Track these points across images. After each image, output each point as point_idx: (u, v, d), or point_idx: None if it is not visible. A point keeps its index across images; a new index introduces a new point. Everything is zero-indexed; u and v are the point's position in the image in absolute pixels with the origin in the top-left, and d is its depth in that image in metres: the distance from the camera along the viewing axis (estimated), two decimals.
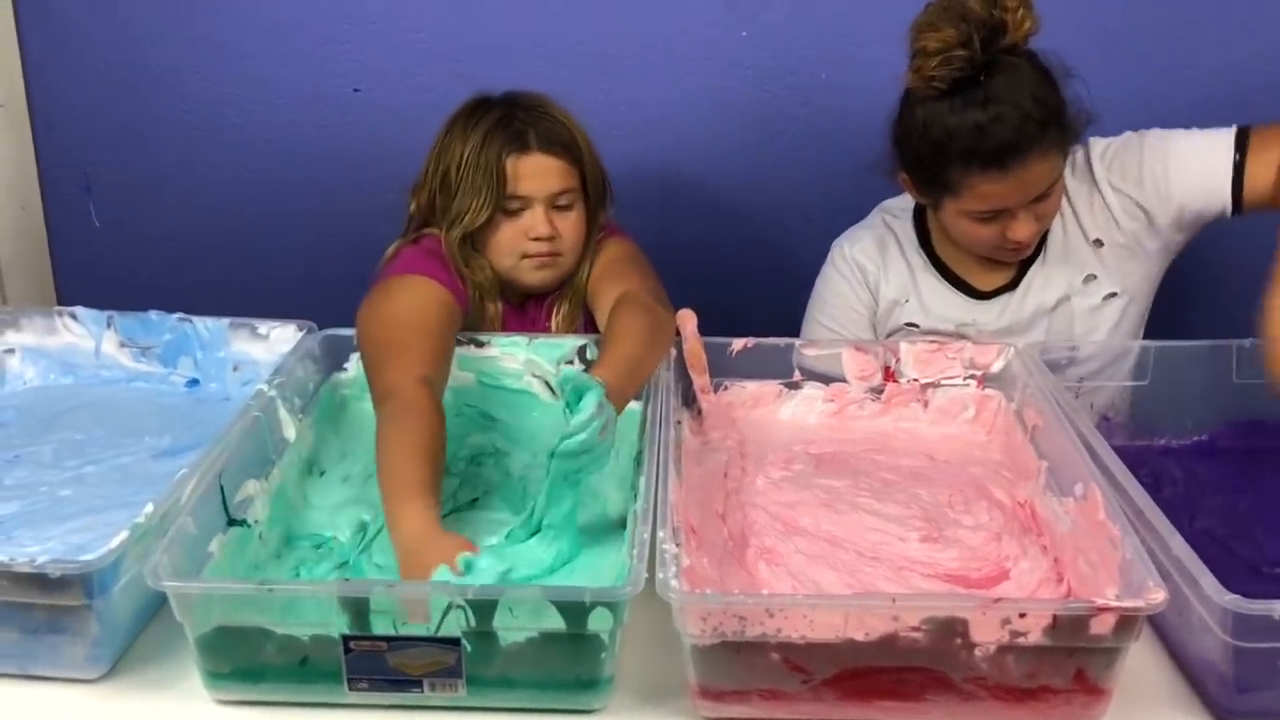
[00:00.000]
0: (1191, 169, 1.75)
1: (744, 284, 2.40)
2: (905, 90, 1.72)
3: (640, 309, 1.60)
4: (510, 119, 1.73)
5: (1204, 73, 2.23)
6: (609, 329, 1.59)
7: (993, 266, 1.86)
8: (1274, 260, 1.46)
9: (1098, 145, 1.83)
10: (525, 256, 1.75)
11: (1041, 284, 1.85)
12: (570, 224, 1.76)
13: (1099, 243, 1.82)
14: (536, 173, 1.72)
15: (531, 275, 1.77)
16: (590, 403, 1.29)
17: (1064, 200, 1.83)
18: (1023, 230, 1.70)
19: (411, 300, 1.63)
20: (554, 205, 1.74)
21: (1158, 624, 1.30)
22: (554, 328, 1.80)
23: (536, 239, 1.73)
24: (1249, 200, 1.73)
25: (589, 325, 1.79)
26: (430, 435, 1.41)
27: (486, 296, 1.76)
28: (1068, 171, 1.80)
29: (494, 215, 1.72)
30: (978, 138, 1.63)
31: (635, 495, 1.35)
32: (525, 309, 1.83)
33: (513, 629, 1.16)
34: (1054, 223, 1.83)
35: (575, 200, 1.76)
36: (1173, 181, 1.76)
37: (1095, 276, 1.83)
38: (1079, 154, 1.82)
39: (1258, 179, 1.71)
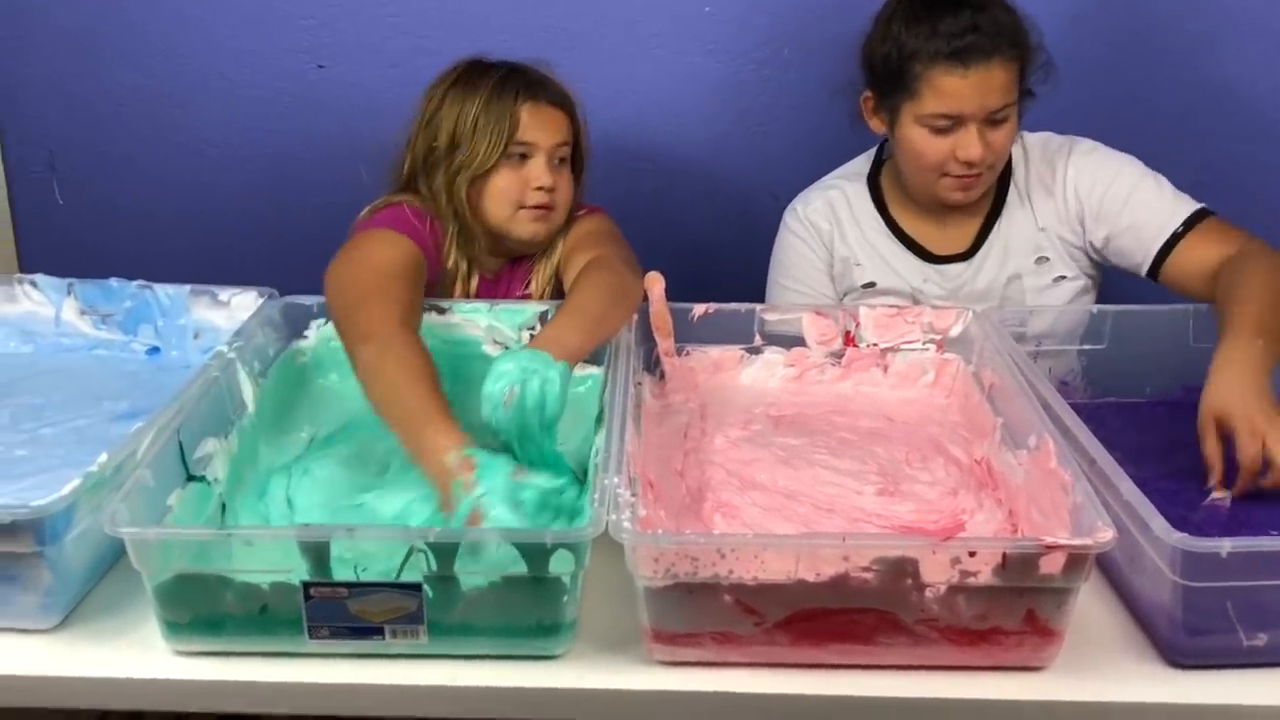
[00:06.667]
0: (1139, 214, 1.78)
1: (708, 260, 2.40)
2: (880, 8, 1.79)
3: (607, 269, 1.63)
4: (520, 72, 1.78)
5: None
6: (573, 287, 1.61)
7: (946, 223, 1.87)
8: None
9: (1083, 145, 1.86)
10: (523, 207, 1.76)
11: (997, 259, 1.86)
12: (565, 180, 1.80)
13: (1044, 229, 1.85)
14: (545, 122, 1.76)
15: (526, 227, 1.78)
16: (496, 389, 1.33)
17: (1024, 172, 1.85)
18: (972, 148, 1.72)
19: (384, 250, 1.64)
20: (554, 158, 1.77)
21: (1109, 569, 1.32)
22: (535, 291, 1.82)
23: (538, 188, 1.75)
24: (1166, 274, 1.75)
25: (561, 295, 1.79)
26: (429, 363, 1.41)
27: (470, 259, 1.79)
28: (1037, 152, 1.85)
29: (499, 162, 1.74)
30: (947, 32, 1.69)
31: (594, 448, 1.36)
32: (499, 280, 1.84)
33: (474, 573, 1.16)
34: (1011, 192, 1.86)
35: (568, 159, 1.80)
36: (1118, 213, 1.80)
37: (1048, 259, 1.85)
38: (1057, 143, 1.86)
39: (1184, 261, 1.73)
